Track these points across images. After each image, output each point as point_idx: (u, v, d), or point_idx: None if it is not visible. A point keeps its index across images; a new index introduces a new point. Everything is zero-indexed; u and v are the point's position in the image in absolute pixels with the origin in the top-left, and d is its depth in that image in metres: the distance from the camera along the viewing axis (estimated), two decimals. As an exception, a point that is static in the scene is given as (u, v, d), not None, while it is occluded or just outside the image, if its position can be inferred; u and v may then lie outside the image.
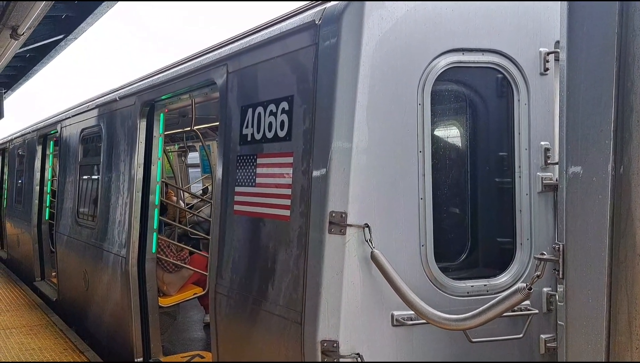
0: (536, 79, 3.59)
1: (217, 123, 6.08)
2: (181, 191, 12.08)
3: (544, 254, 2.66)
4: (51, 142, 10.89)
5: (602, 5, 2.23)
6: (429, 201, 3.40)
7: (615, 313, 2.20)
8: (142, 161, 6.11)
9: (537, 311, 3.51)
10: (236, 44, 4.54)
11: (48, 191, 11.02)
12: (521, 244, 3.57)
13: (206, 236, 9.12)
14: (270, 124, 3.93)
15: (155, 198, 6.17)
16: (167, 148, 12.83)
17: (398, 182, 3.35)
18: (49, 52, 14.01)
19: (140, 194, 6.11)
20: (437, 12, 3.41)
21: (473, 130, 3.68)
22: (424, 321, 3.14)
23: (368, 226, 3.25)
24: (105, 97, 7.55)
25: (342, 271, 3.27)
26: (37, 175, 10.93)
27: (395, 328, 3.33)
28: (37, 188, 10.91)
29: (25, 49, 12.23)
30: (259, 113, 4.05)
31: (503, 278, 3.55)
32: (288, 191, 3.69)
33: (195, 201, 11.76)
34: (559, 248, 2.47)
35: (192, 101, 5.73)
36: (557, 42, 3.52)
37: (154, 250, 6.18)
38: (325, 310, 3.30)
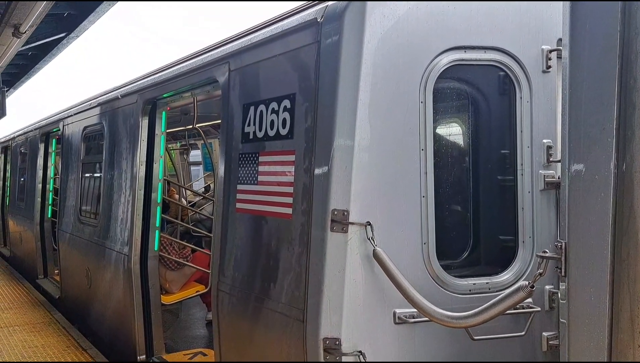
0: (538, 76, 3.58)
1: (219, 121, 6.08)
2: (183, 189, 12.10)
3: (547, 252, 2.67)
4: (53, 140, 10.90)
5: (605, 3, 2.22)
6: (431, 199, 3.40)
7: (618, 311, 2.20)
8: (144, 158, 6.12)
9: (539, 309, 3.51)
10: (238, 42, 4.54)
11: (50, 189, 11.04)
12: (523, 242, 3.57)
13: (208, 234, 9.13)
14: (272, 122, 3.93)
15: (157, 196, 6.18)
16: (169, 145, 12.84)
17: (400, 180, 3.36)
18: (51, 51, 14.02)
19: (142, 192, 6.12)
20: (439, 10, 3.40)
21: (475, 128, 3.68)
22: (426, 319, 3.15)
23: (370, 224, 3.26)
24: (107, 95, 7.55)
25: (344, 269, 3.28)
26: (40, 173, 10.95)
27: (398, 325, 3.33)
28: (40, 185, 10.93)
29: (27, 47, 12.24)
30: (261, 111, 4.05)
31: (505, 276, 3.55)
32: (290, 189, 3.69)
33: (197, 198, 11.77)
34: (561, 246, 2.47)
35: (194, 99, 5.74)
36: (560, 39, 3.51)
37: (156, 248, 6.19)
38: (327, 307, 3.31)
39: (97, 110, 7.71)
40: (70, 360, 6.59)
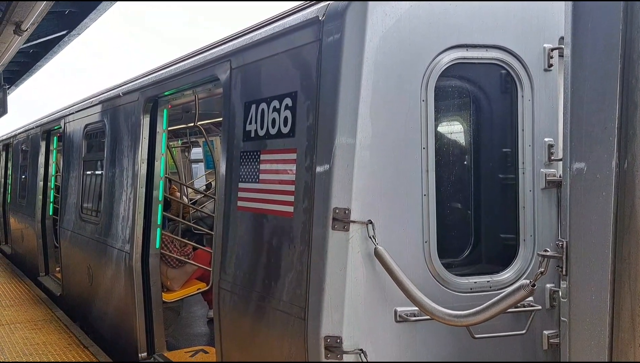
0: (540, 75, 3.58)
1: (221, 119, 6.07)
2: (184, 187, 12.11)
3: (548, 251, 2.67)
4: (55, 137, 10.91)
5: (607, 3, 2.22)
6: (433, 197, 3.40)
7: (619, 310, 2.20)
8: (145, 156, 6.13)
9: (540, 307, 3.51)
10: (239, 40, 4.54)
11: (52, 187, 11.06)
12: (524, 240, 3.57)
13: (209, 232, 9.15)
14: (273, 120, 3.93)
15: (158, 194, 6.18)
16: (171, 143, 12.85)
17: (401, 178, 3.36)
18: (52, 48, 14.01)
19: (143, 189, 6.13)
20: (440, 8, 3.40)
21: (477, 126, 3.68)
22: (427, 317, 3.15)
23: (371, 223, 3.26)
24: (108, 93, 7.56)
25: (345, 268, 3.28)
26: (41, 171, 10.97)
27: (399, 324, 3.34)
28: (41, 183, 10.94)
29: (28, 44, 12.24)
30: (263, 109, 4.06)
31: (506, 274, 3.55)
32: (291, 188, 3.70)
33: (198, 196, 11.79)
34: (562, 244, 2.47)
35: (195, 96, 5.74)
36: (562, 38, 3.51)
37: (157, 246, 6.20)
38: (328, 306, 3.31)
39: (98, 108, 7.71)
40: (71, 357, 6.60)
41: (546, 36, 3.58)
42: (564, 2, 2.52)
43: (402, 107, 3.35)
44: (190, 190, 12.62)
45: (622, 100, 2.18)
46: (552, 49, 3.57)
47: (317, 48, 3.56)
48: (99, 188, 7.49)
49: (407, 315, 3.32)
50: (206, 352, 6.29)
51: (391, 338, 3.33)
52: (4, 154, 15.55)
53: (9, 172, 14.43)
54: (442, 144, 3.55)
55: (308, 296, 3.44)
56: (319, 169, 3.45)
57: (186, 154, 14.24)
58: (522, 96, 3.57)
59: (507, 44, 3.52)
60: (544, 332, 3.57)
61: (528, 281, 2.76)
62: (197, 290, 7.75)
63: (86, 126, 8.18)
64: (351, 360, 3.28)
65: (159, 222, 6.22)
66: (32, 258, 11.41)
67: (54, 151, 11.08)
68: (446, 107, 3.60)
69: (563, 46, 3.18)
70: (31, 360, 6.49)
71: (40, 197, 10.93)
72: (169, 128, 6.71)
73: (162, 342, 6.19)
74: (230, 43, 4.67)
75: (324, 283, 3.33)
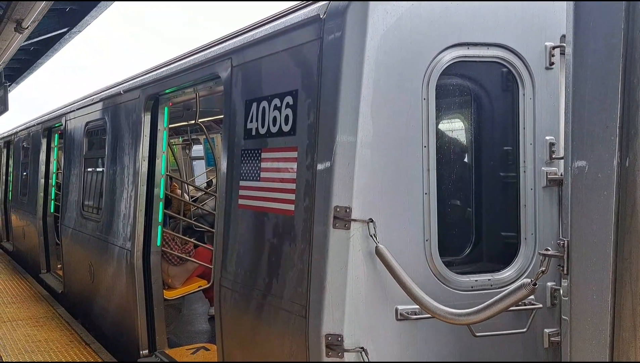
0: (541, 73, 3.57)
1: (221, 116, 6.06)
2: (185, 184, 12.12)
3: (549, 250, 2.67)
4: (56, 135, 10.92)
5: (609, 2, 2.22)
6: (434, 195, 3.40)
7: (620, 310, 2.20)
8: (146, 154, 6.13)
9: (541, 305, 3.51)
10: (240, 38, 4.54)
11: (53, 184, 11.07)
12: (525, 239, 3.57)
13: (210, 229, 9.16)
14: (274, 118, 3.93)
15: (160, 191, 6.19)
16: (172, 140, 12.85)
17: (402, 177, 3.35)
18: (53, 46, 14.02)
19: (144, 187, 6.13)
20: (442, 6, 3.39)
21: (478, 125, 3.67)
22: (428, 315, 3.15)
23: (372, 221, 3.26)
24: (109, 90, 7.55)
25: (346, 266, 3.28)
26: (42, 168, 10.97)
27: (400, 322, 3.34)
28: (42, 180, 10.95)
29: (29, 42, 12.24)
30: (264, 107, 4.05)
31: (507, 273, 3.55)
32: (292, 186, 3.70)
33: (199, 193, 11.79)
34: (563, 244, 2.47)
35: (196, 94, 5.74)
36: (563, 36, 3.50)
37: (158, 243, 6.21)
38: (329, 304, 3.32)
39: (99, 105, 7.71)
40: (73, 354, 6.62)
41: (547, 34, 3.57)
42: (565, 1, 2.52)
43: (403, 106, 3.35)
44: (191, 187, 12.62)
45: (623, 99, 2.18)
46: (554, 47, 3.57)
47: (318, 46, 3.55)
48: (100, 186, 7.49)
49: (408, 314, 3.32)
50: (207, 350, 6.30)
51: (392, 337, 3.34)
52: (5, 151, 15.56)
53: (10, 169, 14.44)
54: (443, 143, 3.55)
55: (309, 294, 3.44)
56: (319, 167, 3.45)
57: (187, 151, 14.24)
58: (524, 94, 3.57)
59: (508, 42, 3.51)
60: (545, 330, 3.57)
61: (529, 280, 2.75)
62: (198, 287, 7.76)
63: (87, 123, 8.18)
64: (352, 358, 3.28)
65: (160, 220, 6.23)
66: (33, 255, 11.43)
67: (55, 148, 11.08)
68: (447, 105, 3.59)
69: (564, 44, 3.18)
70: (33, 357, 6.51)
71: (42, 194, 10.94)
72: (170, 126, 6.71)
73: (164, 339, 6.21)
74: (231, 41, 4.67)
75: (325, 281, 3.33)
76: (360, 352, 3.28)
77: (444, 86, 3.49)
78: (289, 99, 3.80)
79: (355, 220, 3.28)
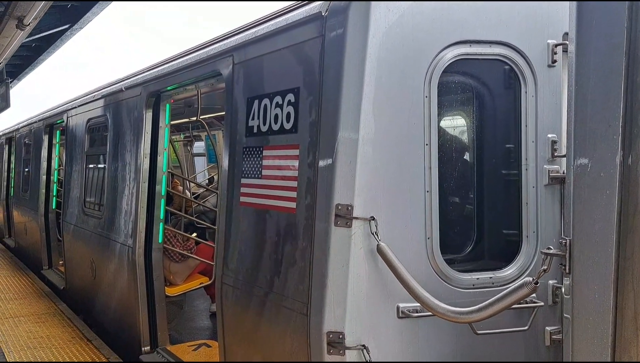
0: (544, 71, 3.56)
1: (223, 113, 6.05)
2: (187, 181, 12.12)
3: (551, 248, 2.66)
4: (57, 131, 10.93)
5: (612, 1, 2.21)
6: (435, 193, 3.39)
7: (622, 309, 2.20)
8: (148, 151, 6.13)
9: (542, 303, 3.51)
10: (242, 35, 4.53)
11: (55, 181, 11.08)
12: (527, 237, 3.57)
13: (212, 226, 9.16)
14: (276, 116, 3.92)
15: (161, 188, 6.19)
16: (173, 137, 12.85)
17: (404, 174, 3.35)
18: (54, 42, 14.01)
19: (146, 184, 6.14)
20: (444, 4, 3.38)
21: (480, 122, 3.66)
22: (430, 313, 3.15)
23: (374, 219, 3.26)
24: (111, 87, 7.55)
25: (347, 264, 3.28)
26: (44, 164, 10.99)
27: (401, 320, 3.34)
28: (44, 177, 10.96)
29: (31, 38, 12.24)
30: (265, 105, 4.05)
31: (509, 271, 3.55)
32: (294, 184, 3.70)
33: (201, 190, 11.80)
34: (565, 242, 2.47)
35: (198, 91, 5.73)
36: (566, 33, 3.49)
37: (160, 240, 6.21)
38: (331, 301, 3.32)
39: (101, 102, 7.71)
40: (75, 350, 6.64)
41: (550, 32, 3.56)
42: (568, 0, 2.51)
43: (405, 103, 3.34)
44: (192, 184, 12.62)
45: (626, 98, 2.17)
46: (556, 45, 3.56)
47: (319, 44, 3.55)
48: (101, 182, 7.50)
49: (409, 311, 3.32)
50: (209, 346, 6.32)
51: (393, 335, 3.34)
52: (7, 147, 15.58)
53: (12, 166, 14.46)
54: (445, 140, 3.54)
55: (310, 292, 3.44)
56: (321, 165, 3.44)
57: (188, 148, 14.24)
58: (526, 92, 3.56)
59: (511, 40, 3.50)
60: (547, 328, 3.57)
61: (531, 279, 2.75)
62: (200, 284, 7.77)
63: (89, 120, 8.18)
64: (353, 356, 3.28)
65: (161, 216, 6.23)
66: (35, 251, 11.45)
67: (57, 144, 11.09)
68: (449, 103, 3.59)
69: (567, 42, 3.17)
70: (35, 354, 6.52)
71: (44, 191, 10.96)
72: (172, 122, 6.70)
73: (165, 335, 6.22)
74: (233, 38, 4.66)
75: (326, 279, 3.33)
76: (362, 350, 3.28)
77: (446, 84, 3.48)
78: (290, 97, 3.80)
79: (356, 218, 3.27)
